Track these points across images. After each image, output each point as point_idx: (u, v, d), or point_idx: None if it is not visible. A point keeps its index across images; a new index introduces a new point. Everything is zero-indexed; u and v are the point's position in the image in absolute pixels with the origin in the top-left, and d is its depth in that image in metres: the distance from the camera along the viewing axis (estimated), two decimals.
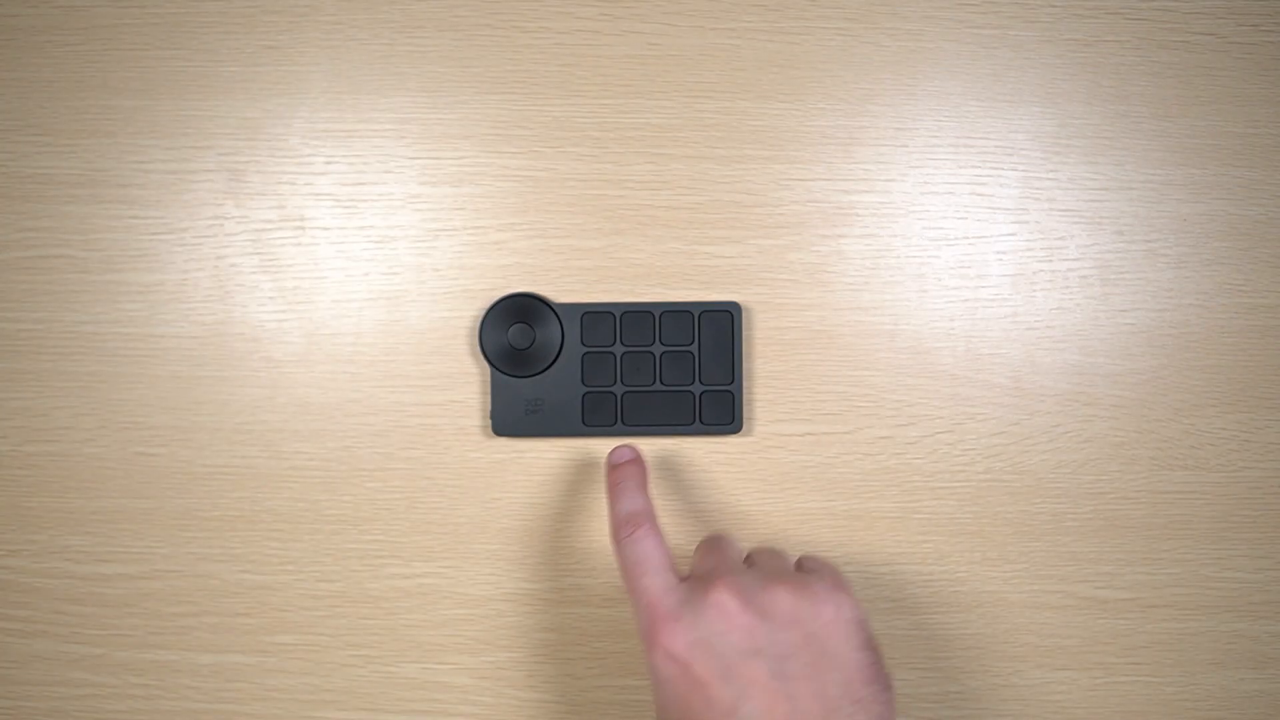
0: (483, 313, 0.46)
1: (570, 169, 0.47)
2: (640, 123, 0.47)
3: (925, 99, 0.47)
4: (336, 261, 0.48)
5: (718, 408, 0.47)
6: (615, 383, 0.47)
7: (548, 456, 0.48)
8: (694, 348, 0.47)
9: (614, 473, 0.43)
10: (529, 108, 0.47)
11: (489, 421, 0.47)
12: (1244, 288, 0.48)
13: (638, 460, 0.43)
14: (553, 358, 0.47)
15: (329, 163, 0.47)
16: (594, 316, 0.47)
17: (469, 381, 0.48)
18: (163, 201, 0.47)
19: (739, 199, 0.47)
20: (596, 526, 0.48)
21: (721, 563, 0.37)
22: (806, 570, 0.38)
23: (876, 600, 0.48)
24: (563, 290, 0.47)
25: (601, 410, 0.47)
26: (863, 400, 0.47)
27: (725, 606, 0.35)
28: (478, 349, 0.47)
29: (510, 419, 0.47)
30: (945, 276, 0.48)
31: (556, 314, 0.47)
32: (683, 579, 0.38)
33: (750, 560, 0.39)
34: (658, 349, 0.47)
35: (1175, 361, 0.48)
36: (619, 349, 0.47)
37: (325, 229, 0.47)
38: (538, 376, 0.47)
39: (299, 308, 0.48)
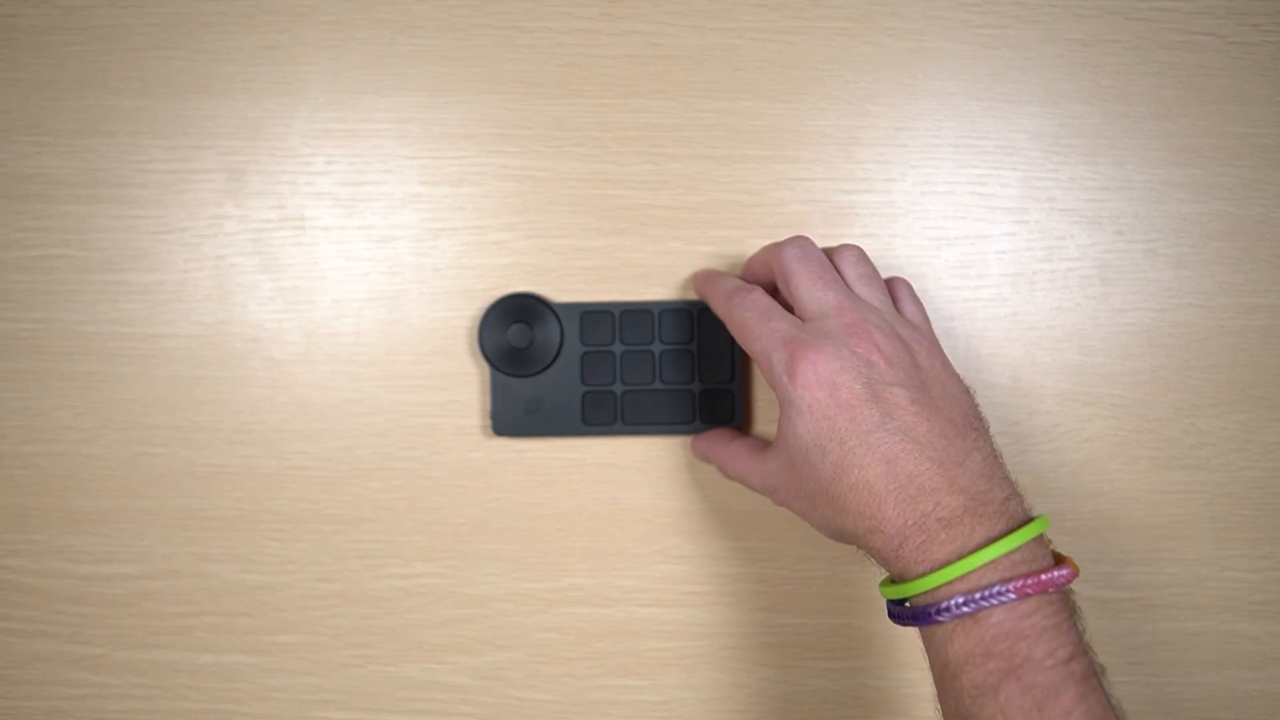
0: (482, 313, 0.46)
1: (570, 169, 0.47)
2: (640, 123, 0.47)
3: (925, 99, 0.47)
4: (336, 261, 0.48)
5: (717, 406, 0.47)
6: (615, 382, 0.47)
7: (548, 456, 0.48)
8: (693, 346, 0.47)
9: (702, 273, 0.46)
10: (529, 108, 0.47)
11: (489, 421, 0.47)
12: (1244, 288, 0.48)
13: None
14: (552, 357, 0.46)
15: (329, 163, 0.47)
16: (593, 316, 0.47)
17: (469, 381, 0.48)
18: (163, 201, 0.47)
19: (739, 199, 0.47)
20: (596, 527, 0.48)
21: (842, 297, 0.40)
22: (909, 321, 0.42)
23: (875, 600, 0.48)
24: (563, 290, 0.47)
25: (601, 409, 0.47)
26: None
27: (869, 340, 0.38)
28: (477, 349, 0.47)
29: (510, 419, 0.47)
30: (945, 276, 0.48)
31: (556, 314, 0.46)
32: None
33: (850, 283, 0.42)
34: (657, 348, 0.47)
35: (1175, 361, 0.48)
36: (618, 348, 0.47)
37: (325, 229, 0.47)
38: (537, 376, 0.47)
39: (299, 308, 0.48)
